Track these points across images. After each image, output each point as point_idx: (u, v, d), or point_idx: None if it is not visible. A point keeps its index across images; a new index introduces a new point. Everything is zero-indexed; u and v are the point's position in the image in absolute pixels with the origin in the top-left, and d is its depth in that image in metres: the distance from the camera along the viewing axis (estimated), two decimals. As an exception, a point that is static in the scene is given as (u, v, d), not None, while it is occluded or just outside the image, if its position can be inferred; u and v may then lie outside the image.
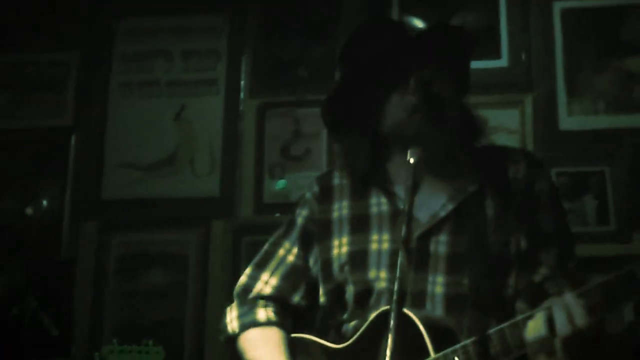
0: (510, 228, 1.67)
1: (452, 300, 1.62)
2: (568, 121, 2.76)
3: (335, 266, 1.74)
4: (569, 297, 1.41)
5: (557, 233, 1.69)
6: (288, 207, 2.72)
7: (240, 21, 3.06)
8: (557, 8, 2.87)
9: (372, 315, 1.63)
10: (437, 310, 1.61)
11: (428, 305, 1.62)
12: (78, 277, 2.93)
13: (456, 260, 1.64)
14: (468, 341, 1.50)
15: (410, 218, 1.49)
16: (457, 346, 1.51)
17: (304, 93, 2.93)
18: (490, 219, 1.67)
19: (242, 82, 3.00)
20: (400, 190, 1.71)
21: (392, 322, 1.36)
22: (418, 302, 1.60)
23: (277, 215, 2.81)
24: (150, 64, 3.06)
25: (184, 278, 2.86)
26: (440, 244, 1.65)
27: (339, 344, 1.70)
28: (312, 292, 1.84)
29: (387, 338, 1.42)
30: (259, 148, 2.93)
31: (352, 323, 1.70)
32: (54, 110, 3.08)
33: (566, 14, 2.87)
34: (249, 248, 2.81)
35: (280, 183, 2.89)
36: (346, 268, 1.72)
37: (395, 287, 1.40)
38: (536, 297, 1.56)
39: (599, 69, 2.81)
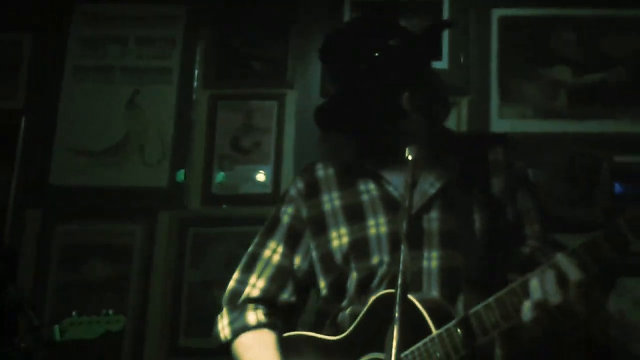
0: (495, 205, 1.77)
1: (447, 274, 1.70)
2: (499, 124, 2.93)
3: (338, 257, 1.78)
4: (560, 257, 1.48)
5: (535, 209, 1.82)
6: (236, 199, 2.94)
7: (197, 11, 3.11)
8: (495, 15, 3.04)
9: (369, 302, 1.68)
10: (433, 287, 1.69)
11: (424, 284, 1.69)
12: (21, 265, 2.91)
13: (449, 236, 1.73)
14: (470, 312, 1.56)
15: (410, 213, 1.49)
16: (458, 319, 1.57)
17: (257, 87, 3.04)
18: (476, 198, 1.77)
19: (196, 72, 3.06)
20: (387, 174, 1.81)
21: (396, 309, 1.36)
22: (415, 282, 1.65)
23: (225, 207, 2.94)
24: (105, 50, 3.09)
25: (127, 269, 2.88)
26: (432, 221, 1.73)
27: (335, 334, 1.75)
28: (300, 289, 1.88)
29: (386, 323, 1.46)
30: (209, 139, 3.00)
31: (349, 310, 1.76)
32: (5, 92, 3.08)
33: (503, 21, 3.04)
34: (195, 239, 2.90)
35: (220, 176, 2.97)
36: (351, 257, 1.76)
37: (399, 281, 1.40)
38: (527, 268, 1.63)
39: (529, 76, 3.00)
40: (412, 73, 1.78)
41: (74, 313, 2.36)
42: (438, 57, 1.91)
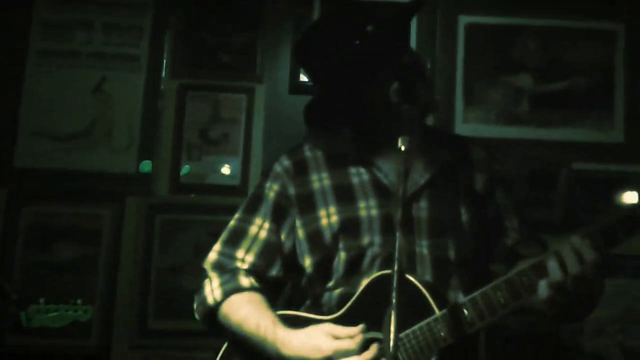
0: (478, 199, 1.85)
1: (438, 262, 1.74)
2: (462, 128, 3.02)
3: (327, 235, 1.78)
4: (575, 239, 1.56)
5: (513, 205, 1.92)
6: (204, 189, 2.97)
7: (166, 1, 3.11)
8: (462, 22, 3.14)
9: (365, 282, 1.70)
10: (426, 272, 1.73)
11: (418, 268, 1.73)
12: (-14, 245, 2.92)
13: (437, 225, 1.77)
14: (477, 292, 1.62)
15: (404, 199, 1.51)
16: (465, 299, 1.63)
17: (226, 79, 3.06)
18: (461, 191, 1.84)
19: (165, 62, 3.07)
20: (378, 160, 1.83)
21: (394, 286, 1.38)
22: (409, 265, 1.68)
23: (193, 196, 2.96)
24: (71, 34, 3.06)
25: (95, 253, 2.91)
26: (422, 210, 1.78)
27: (323, 314, 1.75)
28: (287, 266, 1.87)
29: (383, 303, 1.47)
30: (177, 128, 3.02)
31: (337, 291, 1.76)
32: (-33, 75, 3.03)
33: (469, 28, 3.14)
34: (163, 226, 2.93)
35: (185, 169, 2.99)
36: (340, 236, 1.77)
37: (395, 265, 1.42)
38: (510, 259, 1.79)
39: (492, 82, 3.12)
40: (395, 57, 1.78)
41: (41, 300, 2.34)
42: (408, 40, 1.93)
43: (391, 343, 1.31)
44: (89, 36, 3.07)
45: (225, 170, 3.00)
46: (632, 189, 3.01)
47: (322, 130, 1.92)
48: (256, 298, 1.79)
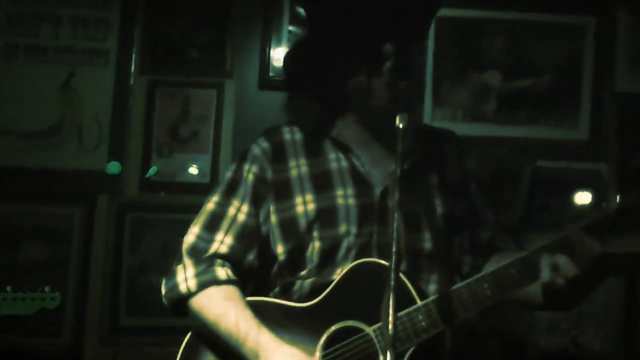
0: (452, 193, 1.87)
1: (411, 255, 1.75)
2: None
3: (302, 223, 1.77)
4: (578, 231, 1.60)
5: (487, 200, 1.96)
6: (174, 187, 3.02)
7: None
8: None
9: (339, 271, 1.71)
10: (402, 263, 1.73)
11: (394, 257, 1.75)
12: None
13: (411, 217, 1.77)
14: (461, 284, 1.64)
15: (401, 178, 1.51)
16: (449, 291, 1.64)
17: (195, 75, 3.08)
18: (434, 186, 1.85)
19: (134, 57, 3.07)
20: (355, 147, 1.82)
21: (392, 281, 1.38)
22: (386, 256, 1.66)
23: (163, 194, 3.01)
24: (37, 28, 3.05)
25: (65, 252, 2.95)
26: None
27: (293, 302, 1.76)
28: (262, 252, 1.85)
29: (361, 292, 1.56)
30: (147, 125, 3.03)
31: (310, 280, 1.76)
32: None
33: (440, 21, 3.15)
34: (133, 224, 2.98)
35: (152, 170, 3.01)
36: (315, 225, 1.76)
37: (394, 249, 1.41)
38: (486, 251, 1.84)
39: (460, 80, 3.18)
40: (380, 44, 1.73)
41: (8, 288, 2.34)
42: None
43: (390, 326, 1.32)
44: (55, 30, 3.05)
45: (193, 170, 3.04)
46: (589, 189, 3.13)
47: (296, 97, 1.96)
48: (233, 293, 1.76)
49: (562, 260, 1.57)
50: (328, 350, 1.67)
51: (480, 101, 3.20)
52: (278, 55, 3.09)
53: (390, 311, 1.33)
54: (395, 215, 1.44)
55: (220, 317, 1.72)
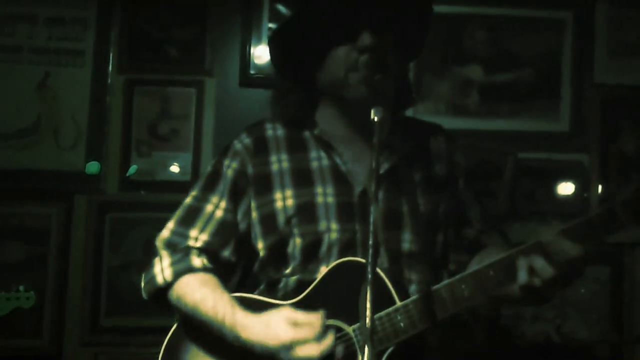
0: (438, 190, 1.88)
1: (391, 254, 1.77)
2: None
3: (281, 219, 1.79)
4: (555, 235, 1.59)
5: (476, 196, 1.97)
6: (154, 186, 3.02)
7: None
8: None
9: (323, 269, 1.73)
10: (384, 262, 1.75)
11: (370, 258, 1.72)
12: None
13: (392, 216, 1.79)
14: (441, 284, 1.64)
15: (377, 173, 1.52)
16: (428, 291, 1.65)
17: (174, 73, 3.10)
18: (419, 182, 1.86)
19: (111, 56, 3.08)
20: (338, 144, 1.84)
21: (369, 276, 1.39)
22: (365, 256, 1.61)
23: (143, 193, 3.01)
24: (13, 28, 3.05)
25: (44, 252, 2.95)
26: (378, 201, 1.77)
27: (278, 299, 1.77)
28: (240, 249, 1.88)
29: (343, 291, 1.58)
30: (126, 124, 3.04)
31: (295, 277, 1.78)
32: None
33: None
34: (113, 224, 2.98)
35: (132, 169, 3.02)
36: (294, 220, 1.78)
37: (370, 242, 1.43)
38: (472, 249, 1.85)
39: (442, 74, 3.23)
40: (355, 31, 1.73)
41: None
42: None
43: (367, 323, 1.33)
44: (31, 30, 3.05)
45: (174, 168, 3.05)
46: (574, 179, 3.20)
47: (280, 89, 1.93)
48: (210, 279, 1.79)
49: (539, 263, 1.58)
50: None
51: (462, 94, 3.26)
52: (259, 52, 3.11)
53: (368, 311, 1.35)
54: (372, 215, 1.45)
55: (198, 303, 1.74)
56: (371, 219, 1.44)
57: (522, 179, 3.19)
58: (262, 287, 1.85)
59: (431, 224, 1.85)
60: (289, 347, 1.60)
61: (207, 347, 1.78)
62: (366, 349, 1.30)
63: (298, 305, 1.72)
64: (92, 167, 2.99)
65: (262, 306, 1.74)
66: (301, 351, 1.59)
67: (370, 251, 1.40)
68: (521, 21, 3.29)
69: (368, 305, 1.34)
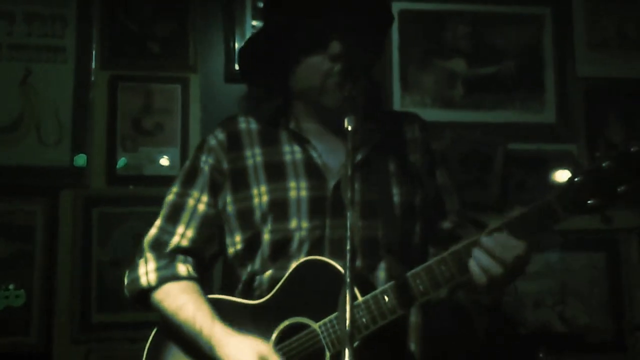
0: (413, 181, 1.88)
1: (368, 245, 1.78)
2: None
3: (257, 215, 1.82)
4: (497, 235, 1.61)
5: (453, 186, 1.99)
6: (141, 180, 3.01)
7: None
8: (396, 8, 3.26)
9: (291, 267, 1.76)
10: (357, 256, 1.67)
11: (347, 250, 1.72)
12: None
13: (368, 207, 1.80)
14: (398, 280, 1.66)
15: (352, 179, 1.53)
16: (386, 287, 1.68)
17: (157, 69, 3.11)
18: (393, 173, 1.87)
19: (94, 52, 3.08)
20: (312, 139, 1.86)
21: (347, 265, 1.40)
22: (338, 249, 1.74)
23: (131, 187, 3.01)
24: None
25: (30, 249, 2.92)
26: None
27: (252, 298, 1.81)
28: (222, 240, 1.91)
29: (309, 289, 1.63)
30: (110, 119, 3.05)
31: (267, 274, 1.81)
32: None
33: (403, 14, 3.29)
34: (100, 219, 2.97)
35: (121, 161, 3.03)
36: (269, 217, 1.81)
37: (348, 247, 1.43)
38: (448, 242, 1.79)
39: (426, 67, 3.30)
40: (326, 37, 1.76)
41: None
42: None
43: (347, 322, 1.34)
44: (10, 27, 3.05)
45: (164, 161, 3.05)
46: (563, 168, 3.24)
47: (252, 90, 1.98)
48: (193, 287, 1.84)
49: (485, 260, 1.61)
50: (279, 347, 1.73)
51: (447, 87, 3.33)
52: (243, 47, 3.14)
53: (347, 308, 1.36)
54: (349, 214, 1.47)
55: (178, 310, 1.80)
56: (348, 224, 1.45)
57: (512, 170, 3.25)
58: (240, 287, 1.88)
59: (407, 215, 1.86)
60: None
61: (187, 351, 1.83)
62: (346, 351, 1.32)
63: (266, 305, 1.77)
64: (80, 159, 2.99)
65: (237, 308, 1.81)
66: None
67: (348, 256, 1.42)
68: (501, 16, 3.39)
69: (348, 308, 1.36)
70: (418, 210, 1.88)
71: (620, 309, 3.21)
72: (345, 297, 1.35)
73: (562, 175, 3.25)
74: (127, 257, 2.83)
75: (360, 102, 1.80)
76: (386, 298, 1.68)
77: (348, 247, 1.42)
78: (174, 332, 1.83)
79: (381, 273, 1.80)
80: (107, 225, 2.97)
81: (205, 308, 1.79)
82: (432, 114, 3.24)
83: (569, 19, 3.43)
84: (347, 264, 1.40)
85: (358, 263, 1.75)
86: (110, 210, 2.98)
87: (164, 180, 2.90)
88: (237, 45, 3.15)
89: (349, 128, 1.58)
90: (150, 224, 1.95)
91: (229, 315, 1.78)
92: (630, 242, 3.25)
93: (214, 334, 1.73)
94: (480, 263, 1.61)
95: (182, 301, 1.80)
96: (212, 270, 2.03)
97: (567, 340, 3.15)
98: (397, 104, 3.26)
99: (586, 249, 3.24)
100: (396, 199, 1.85)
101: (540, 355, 2.91)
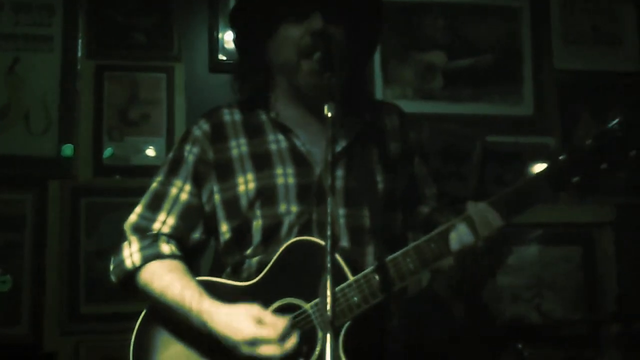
0: (394, 168, 1.96)
1: (354, 231, 1.85)
2: None
3: (244, 202, 1.86)
4: (482, 205, 1.74)
5: (431, 174, 2.09)
6: (128, 170, 3.11)
7: None
8: None
9: (280, 249, 1.80)
10: (343, 240, 1.83)
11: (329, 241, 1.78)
12: None
13: (352, 194, 1.87)
14: (387, 259, 1.74)
15: (333, 166, 1.60)
16: (375, 266, 1.73)
17: (143, 59, 3.20)
18: (376, 161, 1.94)
19: (80, 42, 3.17)
20: (295, 127, 1.91)
21: (328, 253, 1.45)
22: (325, 232, 1.72)
23: (118, 178, 3.10)
24: None
25: (19, 239, 3.00)
26: (338, 179, 1.87)
27: (240, 280, 1.86)
28: (209, 228, 1.95)
29: (298, 270, 1.67)
30: (97, 110, 3.13)
31: (256, 258, 1.85)
32: None
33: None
34: (88, 209, 3.06)
35: (107, 151, 3.11)
36: (256, 203, 1.85)
37: (328, 232, 1.47)
38: (426, 227, 1.89)
39: (406, 60, 3.43)
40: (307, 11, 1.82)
41: None
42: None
43: (328, 306, 1.38)
44: (-3, 16, 3.08)
45: (150, 152, 3.14)
46: (541, 160, 3.39)
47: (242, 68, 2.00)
48: (178, 266, 1.87)
49: (462, 230, 1.73)
50: None
51: (426, 79, 3.45)
52: (228, 37, 3.24)
53: (329, 292, 1.40)
54: (329, 200, 1.51)
55: (165, 288, 1.82)
56: (329, 210, 1.50)
57: (490, 162, 3.38)
58: (228, 270, 1.92)
59: (390, 202, 1.93)
60: (251, 343, 1.68)
61: (176, 333, 1.85)
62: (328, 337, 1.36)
63: (256, 287, 1.81)
64: (67, 149, 3.06)
65: (226, 290, 1.83)
66: (263, 349, 1.67)
67: (329, 241, 1.47)
68: (480, 9, 3.52)
69: (329, 292, 1.41)
70: (399, 197, 1.97)
71: (595, 301, 3.35)
72: (327, 281, 1.40)
73: (540, 168, 3.39)
74: (114, 247, 2.97)
75: (339, 90, 1.81)
76: (376, 277, 1.73)
77: (329, 233, 1.46)
78: (164, 313, 1.85)
79: (369, 258, 1.86)
80: (94, 216, 3.05)
81: (192, 284, 1.81)
82: (412, 106, 3.34)
83: (546, 12, 3.56)
84: (328, 248, 1.45)
85: (345, 244, 1.83)
86: (98, 200, 3.07)
87: (150, 170, 2.96)
88: (220, 35, 3.26)
89: (329, 115, 1.61)
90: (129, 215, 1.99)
91: (219, 296, 1.80)
92: (605, 235, 3.39)
93: (202, 307, 1.75)
94: (459, 232, 1.72)
95: (168, 281, 1.82)
96: (199, 261, 2.06)
97: (544, 332, 3.27)
98: (378, 95, 3.37)
99: (562, 242, 3.38)
100: (380, 186, 1.92)
101: (519, 346, 3.04)
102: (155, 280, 1.84)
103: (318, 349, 1.72)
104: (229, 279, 1.89)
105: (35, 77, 3.13)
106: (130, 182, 3.08)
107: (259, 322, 1.70)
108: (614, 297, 3.32)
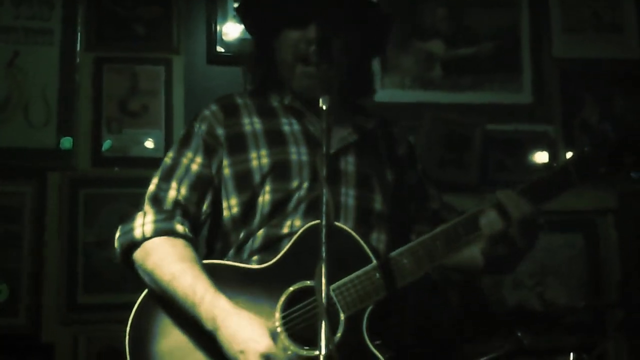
0: (400, 165, 2.09)
1: (362, 213, 1.92)
2: (381, 94, 3.13)
3: (257, 177, 1.92)
4: (511, 192, 1.79)
5: (432, 180, 2.21)
6: (127, 162, 3.17)
7: None
8: None
9: (298, 232, 1.83)
10: (349, 222, 1.89)
11: (342, 218, 1.88)
12: None
13: (364, 178, 1.96)
14: (416, 241, 1.79)
15: (328, 156, 1.65)
16: (404, 249, 1.79)
17: (141, 50, 3.27)
18: (385, 156, 2.07)
19: (79, 35, 3.23)
20: (306, 112, 2.00)
21: (323, 241, 1.50)
22: (334, 212, 1.79)
23: (117, 169, 3.16)
24: None
25: (18, 230, 3.06)
26: (349, 164, 1.97)
27: (242, 258, 1.88)
28: (214, 203, 2.00)
29: (317, 252, 1.58)
30: (96, 101, 3.19)
31: (261, 231, 1.89)
32: None
33: None
34: (87, 200, 3.12)
35: (106, 143, 3.17)
36: (269, 178, 1.91)
37: (324, 221, 1.53)
38: (434, 221, 2.01)
39: (405, 49, 3.48)
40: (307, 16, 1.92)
41: None
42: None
43: (322, 295, 1.42)
44: (-3, 9, 3.12)
45: (149, 144, 3.20)
46: (541, 149, 3.47)
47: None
48: (189, 255, 1.85)
49: (491, 215, 1.78)
50: (287, 312, 1.78)
51: (426, 68, 3.50)
52: (226, 30, 3.31)
53: (323, 281, 1.45)
54: (323, 190, 1.57)
55: (175, 277, 1.79)
56: (323, 200, 1.55)
57: (491, 150, 3.44)
58: (232, 251, 1.94)
59: (397, 193, 2.03)
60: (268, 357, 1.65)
61: (176, 318, 1.84)
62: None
63: (272, 269, 1.82)
64: (66, 142, 3.13)
65: (235, 272, 1.85)
66: None
67: (324, 230, 1.53)
68: (478, -1, 3.53)
69: (323, 280, 1.45)
70: (406, 190, 2.07)
71: (598, 288, 3.39)
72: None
73: (541, 157, 3.46)
74: (113, 238, 3.04)
75: (335, 87, 1.97)
76: (405, 260, 1.79)
77: (323, 222, 1.53)
78: (167, 299, 1.83)
79: (373, 241, 1.91)
80: (93, 207, 3.11)
81: (205, 278, 1.79)
82: (411, 95, 3.45)
83: (546, 0, 3.61)
84: (323, 233, 1.50)
85: (351, 226, 1.86)
86: (97, 191, 3.13)
87: (149, 162, 3.10)
88: (219, 28, 3.32)
89: (324, 107, 1.70)
90: (136, 206, 2.02)
91: (231, 280, 1.81)
92: (607, 222, 3.44)
93: (217, 306, 1.73)
94: (488, 216, 1.78)
95: (178, 270, 1.80)
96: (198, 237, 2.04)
97: (545, 319, 3.28)
98: (377, 85, 3.37)
99: (565, 229, 3.41)
100: (389, 177, 2.03)
101: (518, 334, 3.07)
102: (164, 267, 1.82)
103: (339, 334, 1.75)
104: (233, 260, 1.91)
105: (35, 70, 3.19)
106: (129, 173, 3.14)
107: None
108: (616, 283, 3.37)
